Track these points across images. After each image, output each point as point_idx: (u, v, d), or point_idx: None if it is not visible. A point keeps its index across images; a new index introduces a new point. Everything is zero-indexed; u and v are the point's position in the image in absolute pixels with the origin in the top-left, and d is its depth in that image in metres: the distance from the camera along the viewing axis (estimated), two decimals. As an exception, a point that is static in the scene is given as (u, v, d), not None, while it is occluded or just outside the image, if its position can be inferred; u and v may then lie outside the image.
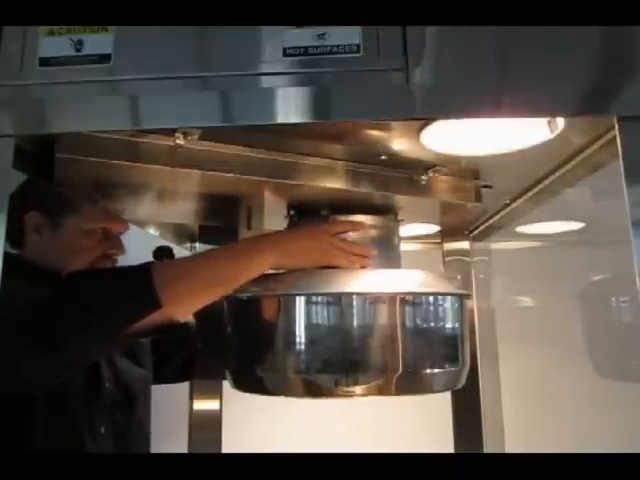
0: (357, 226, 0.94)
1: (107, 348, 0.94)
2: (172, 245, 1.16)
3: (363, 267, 0.90)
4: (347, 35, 0.67)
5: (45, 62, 0.68)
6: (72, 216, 0.99)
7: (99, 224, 1.00)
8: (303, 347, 0.82)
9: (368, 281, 0.85)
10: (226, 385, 1.12)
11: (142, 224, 1.24)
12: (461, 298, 0.90)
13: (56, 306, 0.75)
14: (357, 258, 0.90)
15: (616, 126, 0.64)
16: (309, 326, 0.82)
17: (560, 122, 0.72)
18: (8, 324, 0.73)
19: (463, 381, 0.90)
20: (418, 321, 0.83)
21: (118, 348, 1.04)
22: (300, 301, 0.82)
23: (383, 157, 0.87)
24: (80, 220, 0.99)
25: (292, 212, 1.00)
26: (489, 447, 1.32)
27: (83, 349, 0.78)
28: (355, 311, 0.81)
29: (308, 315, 0.82)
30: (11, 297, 0.65)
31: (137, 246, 1.17)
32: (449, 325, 0.87)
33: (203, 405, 1.34)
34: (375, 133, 0.78)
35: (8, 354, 0.73)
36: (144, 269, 0.77)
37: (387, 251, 0.99)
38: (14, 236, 0.96)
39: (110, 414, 1.00)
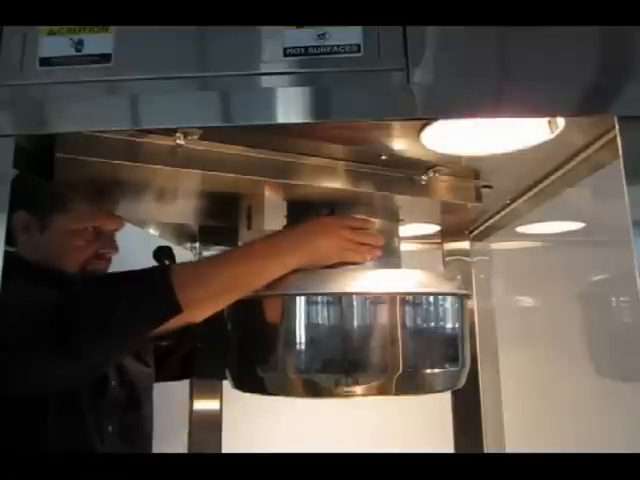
0: (368, 223, 0.94)
1: (128, 352, 0.94)
2: (172, 245, 1.16)
3: (373, 259, 0.90)
4: (347, 35, 0.67)
5: (45, 62, 0.68)
6: (61, 216, 0.97)
7: (89, 223, 0.99)
8: (303, 347, 0.82)
9: (368, 281, 0.85)
10: (226, 385, 1.12)
11: (142, 224, 1.24)
12: (461, 298, 0.90)
13: (76, 313, 0.74)
14: (367, 249, 0.90)
15: (616, 126, 0.64)
16: (309, 326, 0.82)
17: (560, 122, 0.72)
18: (23, 328, 0.72)
19: (463, 381, 0.90)
20: (418, 321, 0.83)
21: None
22: (300, 301, 0.82)
23: (383, 157, 0.87)
24: (69, 220, 0.97)
25: (292, 212, 1.00)
26: (489, 447, 1.32)
27: (104, 355, 0.78)
28: (355, 311, 0.81)
29: (308, 315, 0.82)
30: (17, 297, 0.64)
31: (137, 246, 1.17)
32: (449, 325, 0.87)
33: (203, 405, 1.34)
34: (375, 133, 0.78)
35: (28, 360, 0.72)
36: (164, 273, 0.77)
37: (387, 251, 0.99)
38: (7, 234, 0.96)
39: (117, 412, 1.00)
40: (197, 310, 0.79)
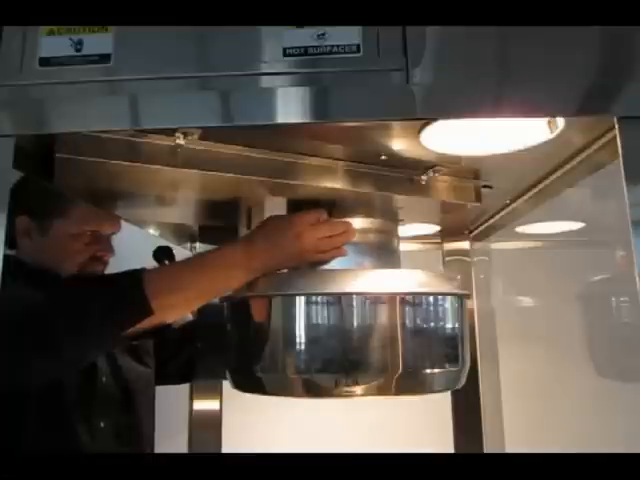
0: (323, 214, 0.90)
1: (103, 350, 0.96)
2: (172, 245, 1.16)
3: (345, 242, 0.89)
4: (347, 35, 0.67)
5: (45, 62, 0.68)
6: (60, 220, 1.00)
7: (87, 227, 1.01)
8: (303, 347, 0.82)
9: (368, 281, 0.85)
10: (226, 385, 1.12)
11: (142, 224, 1.24)
12: (461, 298, 0.90)
13: (53, 313, 0.77)
14: (331, 242, 0.88)
15: (616, 126, 0.64)
16: (309, 326, 0.82)
17: (560, 122, 0.72)
18: (6, 328, 0.73)
19: (463, 381, 0.90)
20: (418, 321, 0.83)
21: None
22: (300, 301, 0.82)
23: (383, 157, 0.87)
24: (68, 224, 1.00)
25: (292, 212, 0.99)
26: (489, 447, 1.32)
27: (80, 353, 0.81)
28: (355, 311, 0.81)
29: (308, 315, 0.82)
30: (7, 299, 0.65)
31: (137, 246, 1.17)
32: (449, 325, 0.87)
33: (203, 405, 1.34)
34: (375, 133, 0.78)
35: (8, 358, 0.74)
36: (136, 278, 0.79)
37: (387, 251, 0.99)
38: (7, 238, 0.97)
39: (109, 409, 1.01)
40: (168, 313, 0.83)
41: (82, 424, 0.95)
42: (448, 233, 1.36)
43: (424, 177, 0.93)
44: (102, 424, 0.99)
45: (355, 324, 0.81)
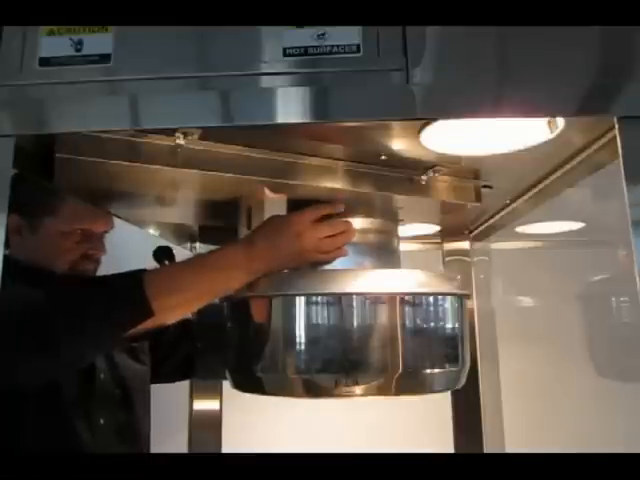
0: (334, 208, 0.91)
1: (102, 351, 0.96)
2: (172, 245, 1.16)
3: (346, 242, 0.90)
4: (347, 35, 0.67)
5: (45, 62, 0.68)
6: (51, 217, 1.00)
7: (78, 225, 1.01)
8: (303, 347, 0.82)
9: (368, 281, 0.85)
10: (226, 385, 1.12)
11: (142, 224, 1.24)
12: (461, 298, 0.90)
13: (52, 313, 0.77)
14: (332, 242, 0.88)
15: (616, 126, 0.64)
16: (309, 326, 0.82)
17: (560, 122, 0.72)
18: (5, 326, 0.73)
19: (463, 381, 0.90)
20: (418, 321, 0.83)
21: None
22: (300, 301, 0.82)
23: (383, 157, 0.87)
24: (59, 221, 1.00)
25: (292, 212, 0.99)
26: (489, 447, 1.32)
27: (79, 353, 0.81)
28: (355, 311, 0.81)
29: (308, 315, 0.82)
30: (3, 299, 0.65)
31: (137, 246, 1.17)
32: (449, 325, 0.87)
33: (203, 405, 1.35)
34: (375, 133, 0.78)
35: (5, 357, 0.74)
36: (137, 279, 0.79)
37: (387, 251, 0.99)
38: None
39: (108, 406, 1.01)
40: (169, 314, 0.82)
41: (82, 421, 0.96)
42: (448, 233, 1.36)
43: (424, 177, 0.93)
44: (102, 421, 1.00)
45: (355, 324, 0.81)
